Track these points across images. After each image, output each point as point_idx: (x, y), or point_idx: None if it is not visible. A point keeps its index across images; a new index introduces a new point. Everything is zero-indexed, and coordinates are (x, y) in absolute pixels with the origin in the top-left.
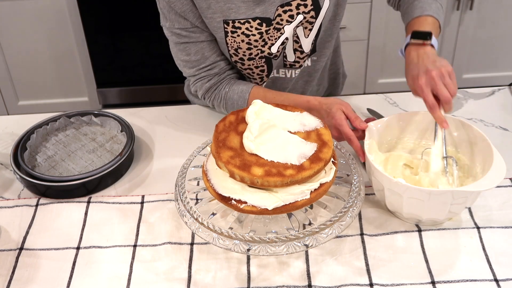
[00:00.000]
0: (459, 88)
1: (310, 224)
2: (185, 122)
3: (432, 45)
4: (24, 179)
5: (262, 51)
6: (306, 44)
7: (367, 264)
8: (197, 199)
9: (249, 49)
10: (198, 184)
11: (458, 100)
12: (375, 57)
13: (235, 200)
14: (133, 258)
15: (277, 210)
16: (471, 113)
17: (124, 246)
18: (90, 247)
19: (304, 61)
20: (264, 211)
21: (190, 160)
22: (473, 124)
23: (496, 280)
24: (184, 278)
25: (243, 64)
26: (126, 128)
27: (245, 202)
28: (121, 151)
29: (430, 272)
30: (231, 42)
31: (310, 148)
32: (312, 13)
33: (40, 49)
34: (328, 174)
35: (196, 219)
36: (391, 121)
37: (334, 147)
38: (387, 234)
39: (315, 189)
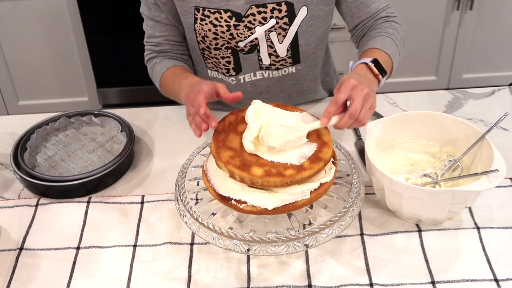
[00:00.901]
0: (459, 88)
1: (310, 224)
2: (185, 122)
3: (379, 81)
4: (24, 179)
5: (229, 43)
6: (281, 49)
7: (367, 264)
8: (197, 199)
9: (215, 38)
10: (198, 184)
11: (458, 100)
12: None
13: (235, 200)
14: (133, 258)
15: (277, 210)
16: (471, 113)
17: (124, 246)
18: (90, 247)
19: (283, 65)
20: (264, 211)
21: (190, 160)
22: (473, 124)
23: (496, 280)
24: (184, 278)
25: (210, 53)
26: (126, 128)
27: (245, 202)
28: (121, 151)
29: (430, 272)
30: (199, 29)
31: (310, 148)
32: (286, 19)
33: (40, 49)
34: (328, 174)
35: (196, 219)
36: (391, 121)
37: (334, 147)
38: (387, 234)
39: (315, 189)
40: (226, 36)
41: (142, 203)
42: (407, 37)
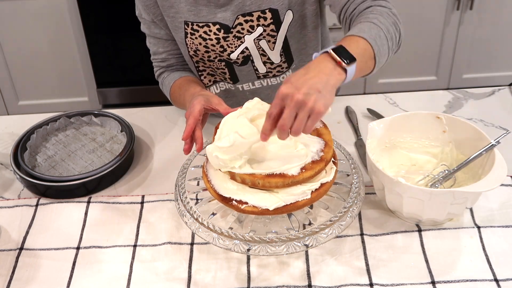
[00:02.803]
0: (459, 88)
1: (310, 224)
2: (185, 122)
3: (344, 69)
4: (24, 179)
5: (221, 55)
6: (274, 56)
7: (367, 264)
8: (197, 199)
9: (207, 52)
10: (198, 184)
11: (458, 100)
12: None
13: (236, 200)
14: (133, 258)
15: (278, 211)
16: (471, 113)
17: (124, 246)
18: (90, 247)
19: (280, 72)
20: (265, 212)
21: (190, 160)
22: (473, 124)
23: (496, 280)
24: (184, 278)
25: (205, 64)
26: (126, 128)
27: (246, 203)
28: (121, 151)
29: (430, 272)
30: (190, 44)
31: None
32: (272, 26)
33: (40, 49)
34: (328, 174)
35: (196, 219)
36: (392, 121)
37: (334, 147)
38: (387, 234)
39: (316, 189)
40: (216, 48)
41: (142, 203)
42: (407, 37)
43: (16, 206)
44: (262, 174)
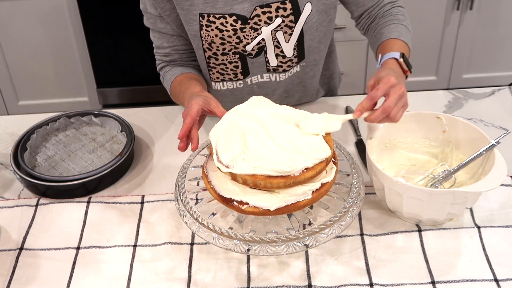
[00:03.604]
0: (459, 88)
1: (310, 224)
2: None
3: (406, 76)
4: (24, 179)
5: (236, 47)
6: (288, 49)
7: (367, 264)
8: (197, 199)
9: (222, 44)
10: (198, 184)
11: (458, 100)
12: (375, 57)
13: (236, 201)
14: (133, 258)
15: (279, 211)
16: (471, 113)
17: (124, 246)
18: (90, 247)
19: (289, 66)
20: (266, 212)
21: (190, 160)
22: (473, 124)
23: (496, 280)
24: (184, 278)
25: (217, 60)
26: (126, 128)
27: (247, 203)
28: (121, 151)
29: (430, 272)
30: (205, 36)
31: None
32: (291, 17)
33: (40, 49)
34: (329, 174)
35: (196, 219)
36: None
37: (334, 147)
38: (387, 234)
39: (316, 189)
40: (233, 40)
41: (142, 203)
42: None
43: (16, 206)
44: (264, 174)
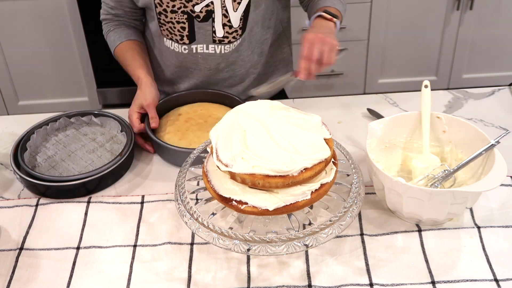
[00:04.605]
0: (459, 88)
1: (310, 224)
2: None
3: (335, 23)
4: (24, 179)
5: (186, 6)
6: (235, 18)
7: (367, 264)
8: (197, 199)
9: (172, 0)
10: (198, 184)
11: (458, 100)
12: (375, 57)
13: (235, 201)
14: (133, 258)
15: (278, 211)
16: (471, 113)
17: (124, 246)
18: (90, 247)
19: (235, 38)
20: (265, 212)
21: (190, 160)
22: (473, 124)
23: (496, 280)
24: (184, 278)
25: (166, 17)
26: (126, 128)
27: (246, 203)
28: (121, 151)
29: (430, 272)
30: None
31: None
32: None
33: (40, 49)
34: (328, 175)
35: (196, 219)
36: (392, 121)
37: (334, 147)
38: (387, 234)
39: (315, 190)
40: None
41: (142, 203)
42: (407, 37)
43: (16, 206)
44: (262, 174)
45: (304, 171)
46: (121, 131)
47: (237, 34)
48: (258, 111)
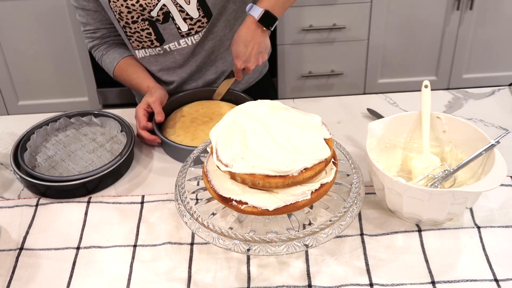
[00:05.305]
0: (459, 88)
1: (310, 224)
2: None
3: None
4: (24, 179)
5: (143, 14)
6: (192, 10)
7: (367, 264)
8: (197, 199)
9: (129, 12)
10: (198, 184)
11: (458, 100)
12: (375, 57)
13: (235, 201)
14: (133, 258)
15: (278, 211)
16: (471, 113)
17: (124, 246)
18: (90, 247)
19: (200, 27)
20: (265, 212)
21: (190, 160)
22: (473, 124)
23: (496, 280)
24: (184, 278)
25: (131, 29)
26: (126, 128)
27: (246, 203)
28: (121, 151)
29: (430, 272)
30: (114, 7)
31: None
32: None
33: (40, 49)
34: (328, 175)
35: (196, 219)
36: (392, 121)
37: (334, 147)
38: (387, 234)
39: (315, 190)
40: (137, 8)
41: (142, 203)
42: (407, 37)
43: (16, 206)
44: (262, 174)
45: (304, 171)
46: (121, 131)
47: (202, 23)
48: (258, 111)
